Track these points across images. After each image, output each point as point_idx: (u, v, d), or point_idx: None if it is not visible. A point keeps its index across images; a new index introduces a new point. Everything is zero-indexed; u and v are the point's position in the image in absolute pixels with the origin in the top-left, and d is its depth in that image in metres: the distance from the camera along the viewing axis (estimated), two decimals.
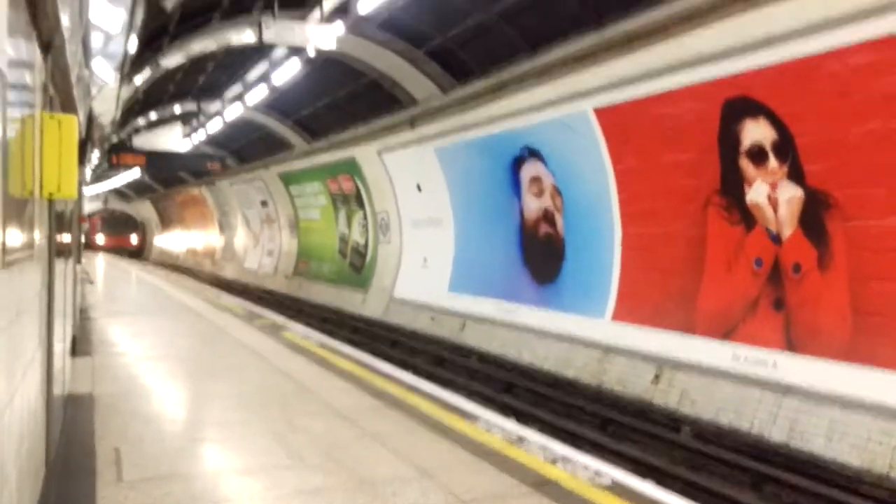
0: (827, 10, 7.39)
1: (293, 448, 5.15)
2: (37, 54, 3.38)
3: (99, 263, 28.56)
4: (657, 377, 9.98)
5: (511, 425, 5.96)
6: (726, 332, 9.34)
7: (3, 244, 2.27)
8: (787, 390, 8.31)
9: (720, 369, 9.21)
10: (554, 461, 4.96)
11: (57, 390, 4.91)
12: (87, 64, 6.44)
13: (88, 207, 54.70)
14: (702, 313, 9.76)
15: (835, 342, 8.02)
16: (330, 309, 21.44)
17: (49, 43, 3.74)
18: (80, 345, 9.34)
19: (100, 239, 52.43)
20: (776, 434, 8.12)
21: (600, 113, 10.94)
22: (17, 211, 2.66)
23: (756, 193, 8.92)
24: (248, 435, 5.49)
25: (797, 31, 7.74)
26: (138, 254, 53.89)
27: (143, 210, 55.64)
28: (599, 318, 11.53)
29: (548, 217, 13.08)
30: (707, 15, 8.59)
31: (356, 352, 9.56)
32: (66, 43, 3.91)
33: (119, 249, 52.08)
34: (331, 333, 14.51)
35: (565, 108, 11.56)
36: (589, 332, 11.65)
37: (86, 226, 43.89)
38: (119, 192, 56.84)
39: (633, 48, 9.79)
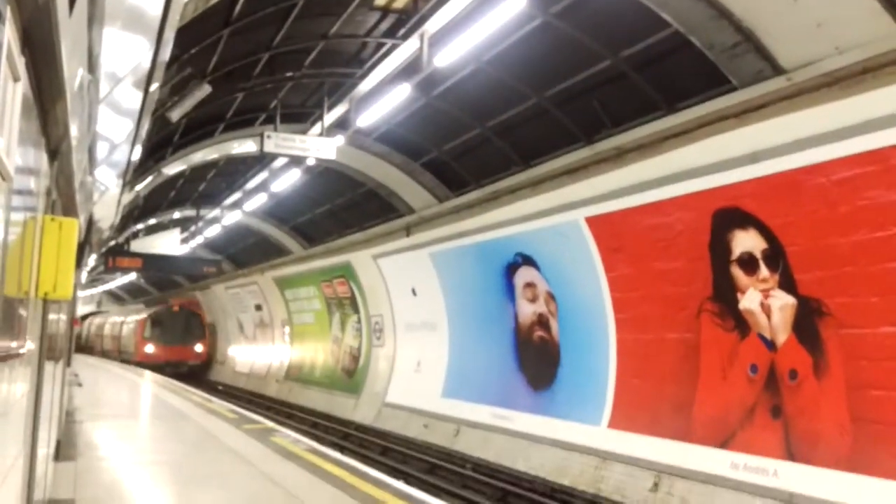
0: (809, 128, 7.70)
1: None
2: (44, 160, 3.50)
3: (85, 365, 28.13)
4: (656, 485, 9.73)
5: None
6: (724, 441, 9.18)
7: None
8: (790, 499, 8.10)
9: (720, 477, 8.99)
10: None
11: (38, 496, 4.77)
12: (91, 171, 6.60)
13: (124, 310, 47.24)
14: (698, 421, 9.63)
15: (835, 451, 7.89)
16: (321, 414, 21.05)
17: (56, 150, 3.87)
18: (65, 449, 9.12)
19: (149, 349, 33.59)
20: None
21: (592, 221, 11.16)
22: (11, 310, 2.68)
23: (749, 301, 8.98)
24: None
25: (782, 147, 8.04)
26: (201, 373, 34.97)
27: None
28: (596, 426, 11.34)
29: (542, 322, 13.09)
30: (694, 132, 8.94)
31: (347, 458, 9.35)
32: (72, 151, 4.04)
33: (178, 364, 33.36)
34: (320, 439, 14.20)
35: (558, 217, 11.80)
36: (585, 439, 11.43)
37: (129, 327, 36.53)
38: (113, 294, 56.74)
39: (624, 162, 10.12)
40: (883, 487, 7.30)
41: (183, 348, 34.25)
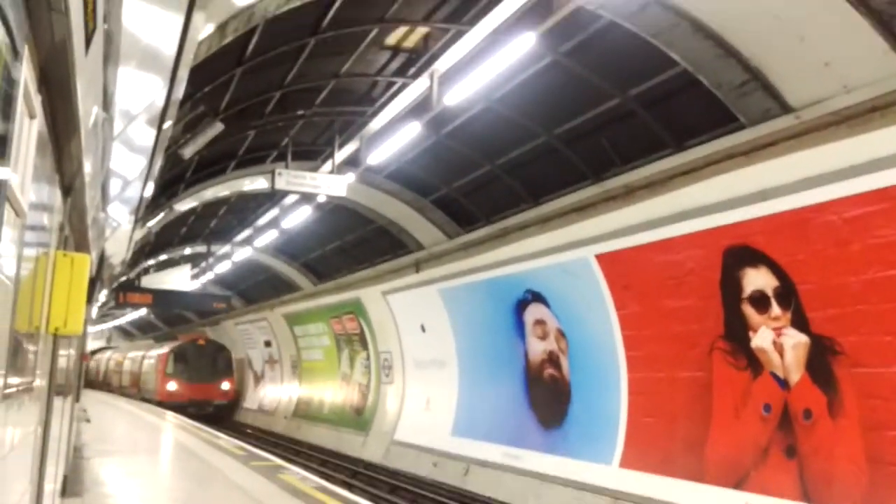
0: (818, 166, 7.71)
1: None
2: (57, 196, 3.54)
3: (96, 401, 28.08)
4: None
5: None
6: (738, 481, 9.02)
7: (4, 377, 2.29)
8: None
9: None
10: None
11: None
12: (103, 207, 6.67)
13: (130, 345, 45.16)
14: (711, 460, 9.48)
15: (851, 492, 7.73)
16: (329, 451, 20.85)
17: (70, 186, 3.92)
18: (71, 485, 9.05)
19: (172, 387, 30.41)
20: None
21: (602, 259, 11.14)
22: (21, 346, 2.69)
23: (761, 339, 8.90)
24: None
25: (791, 185, 8.04)
26: (228, 414, 31.70)
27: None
28: (607, 465, 11.18)
29: (553, 359, 13.00)
30: (703, 170, 8.96)
31: (356, 497, 9.23)
32: (85, 187, 4.09)
33: (203, 404, 30.11)
34: (329, 477, 14.05)
35: (567, 255, 11.78)
36: (597, 478, 11.26)
37: (150, 362, 33.24)
38: (123, 330, 56.74)
39: (633, 199, 10.13)
40: None
41: (209, 386, 30.79)
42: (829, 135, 7.46)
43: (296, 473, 10.88)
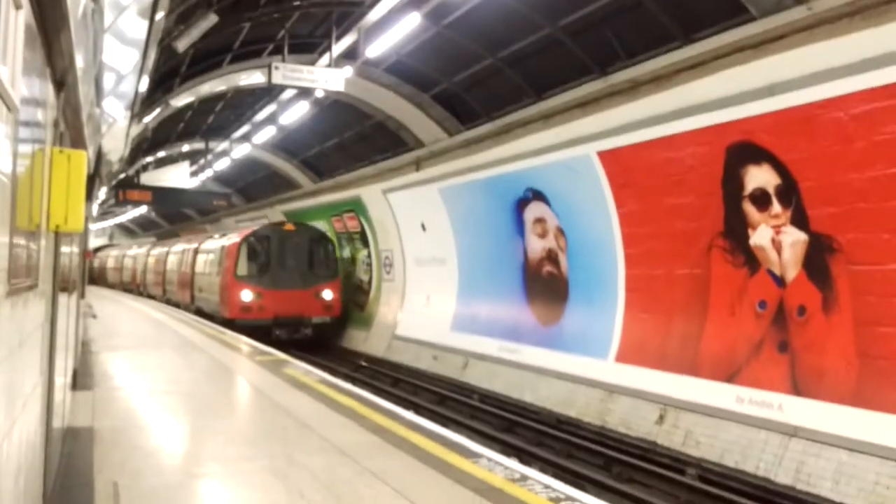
0: (828, 61, 7.51)
1: (293, 484, 5.10)
2: (50, 91, 3.46)
3: (99, 297, 28.45)
4: (662, 417, 9.90)
5: (513, 464, 5.90)
6: (731, 375, 9.28)
7: (8, 274, 2.30)
8: (794, 432, 8.23)
9: (725, 410, 9.13)
10: (557, 500, 4.90)
11: (56, 423, 4.89)
12: (98, 102, 6.55)
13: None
14: (705, 355, 9.71)
15: (841, 385, 7.96)
16: (332, 346, 21.35)
17: (62, 81, 3.82)
18: (81, 378, 9.32)
19: (248, 297, 20.11)
20: (782, 476, 8.03)
21: (604, 156, 11.04)
22: (23, 243, 2.69)
23: (760, 237, 8.94)
24: (247, 471, 5.45)
25: (800, 80, 7.85)
26: (329, 337, 21.62)
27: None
28: (603, 359, 11.47)
29: (552, 257, 13.11)
30: (710, 63, 8.74)
31: (357, 389, 9.52)
32: (78, 81, 4.00)
33: (297, 322, 20.23)
34: (333, 371, 14.46)
35: (569, 152, 11.67)
36: (592, 372, 11.58)
37: (208, 260, 22.97)
38: (124, 227, 57.10)
39: (638, 94, 9.93)
40: (885, 422, 7.39)
41: (304, 296, 20.29)
42: (841, 27, 7.23)
43: (299, 367, 11.18)
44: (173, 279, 28.72)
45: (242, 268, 20.32)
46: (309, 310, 20.28)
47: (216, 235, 25.86)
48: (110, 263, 48.36)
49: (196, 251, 25.40)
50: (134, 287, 37.93)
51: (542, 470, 7.67)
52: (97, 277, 48.99)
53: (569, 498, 4.98)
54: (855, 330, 7.85)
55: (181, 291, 27.02)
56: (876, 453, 7.33)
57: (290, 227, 21.52)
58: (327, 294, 20.67)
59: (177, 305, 26.85)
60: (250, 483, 5.16)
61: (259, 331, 18.46)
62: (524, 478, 5.41)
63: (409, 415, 7.82)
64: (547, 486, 5.22)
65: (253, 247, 20.74)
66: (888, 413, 7.39)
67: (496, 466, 5.71)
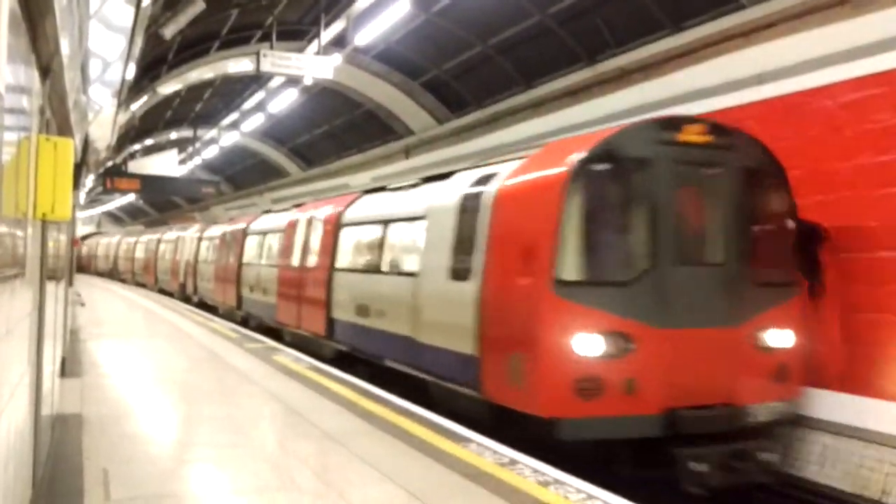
0: (818, 49, 7.53)
1: (283, 470, 5.12)
2: (35, 78, 3.43)
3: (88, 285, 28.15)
4: None
5: (502, 448, 5.94)
6: None
7: None
8: None
9: None
10: (546, 484, 4.93)
11: (45, 411, 4.89)
12: (84, 89, 6.50)
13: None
14: None
15: (826, 369, 8.02)
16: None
17: (48, 68, 3.79)
18: (70, 366, 9.29)
19: (592, 347, 5.97)
20: None
21: None
22: (10, 231, 2.68)
23: None
24: (237, 457, 5.46)
25: (788, 69, 7.87)
26: None
27: None
28: None
29: None
30: (700, 52, 8.75)
31: (347, 375, 9.54)
32: (64, 68, 3.96)
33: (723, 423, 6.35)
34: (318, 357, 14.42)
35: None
36: None
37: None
38: (112, 215, 56.77)
39: (627, 83, 9.93)
40: (871, 406, 7.46)
41: (727, 342, 6.67)
42: (832, 15, 7.25)
43: (289, 355, 11.18)
44: (227, 279, 17.75)
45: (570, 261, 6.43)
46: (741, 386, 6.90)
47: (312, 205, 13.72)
48: (101, 251, 47.86)
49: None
50: (150, 280, 29.07)
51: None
52: (85, 265, 48.93)
53: (557, 481, 5.03)
54: (841, 317, 7.91)
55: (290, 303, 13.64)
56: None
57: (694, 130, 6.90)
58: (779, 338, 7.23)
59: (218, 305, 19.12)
60: (241, 469, 5.17)
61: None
62: (513, 462, 5.45)
63: (399, 400, 7.85)
64: (536, 471, 5.26)
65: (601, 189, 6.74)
66: (879, 399, 7.46)
67: (485, 451, 5.74)
